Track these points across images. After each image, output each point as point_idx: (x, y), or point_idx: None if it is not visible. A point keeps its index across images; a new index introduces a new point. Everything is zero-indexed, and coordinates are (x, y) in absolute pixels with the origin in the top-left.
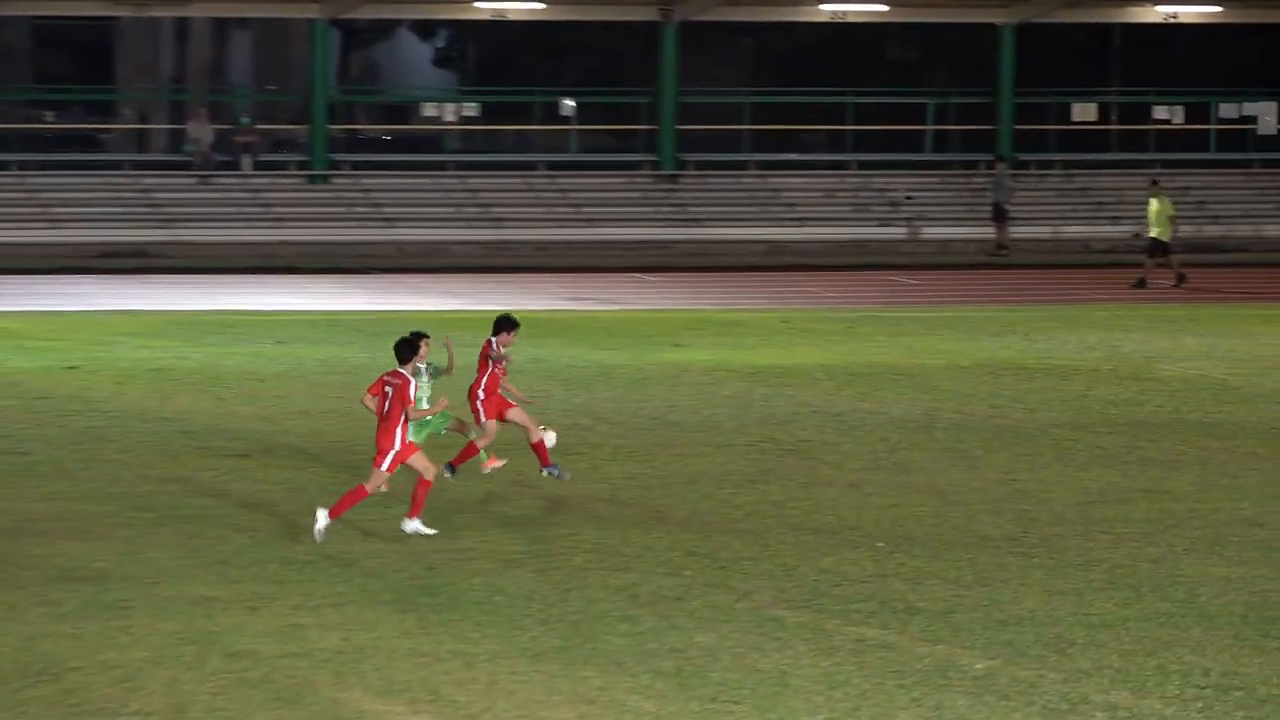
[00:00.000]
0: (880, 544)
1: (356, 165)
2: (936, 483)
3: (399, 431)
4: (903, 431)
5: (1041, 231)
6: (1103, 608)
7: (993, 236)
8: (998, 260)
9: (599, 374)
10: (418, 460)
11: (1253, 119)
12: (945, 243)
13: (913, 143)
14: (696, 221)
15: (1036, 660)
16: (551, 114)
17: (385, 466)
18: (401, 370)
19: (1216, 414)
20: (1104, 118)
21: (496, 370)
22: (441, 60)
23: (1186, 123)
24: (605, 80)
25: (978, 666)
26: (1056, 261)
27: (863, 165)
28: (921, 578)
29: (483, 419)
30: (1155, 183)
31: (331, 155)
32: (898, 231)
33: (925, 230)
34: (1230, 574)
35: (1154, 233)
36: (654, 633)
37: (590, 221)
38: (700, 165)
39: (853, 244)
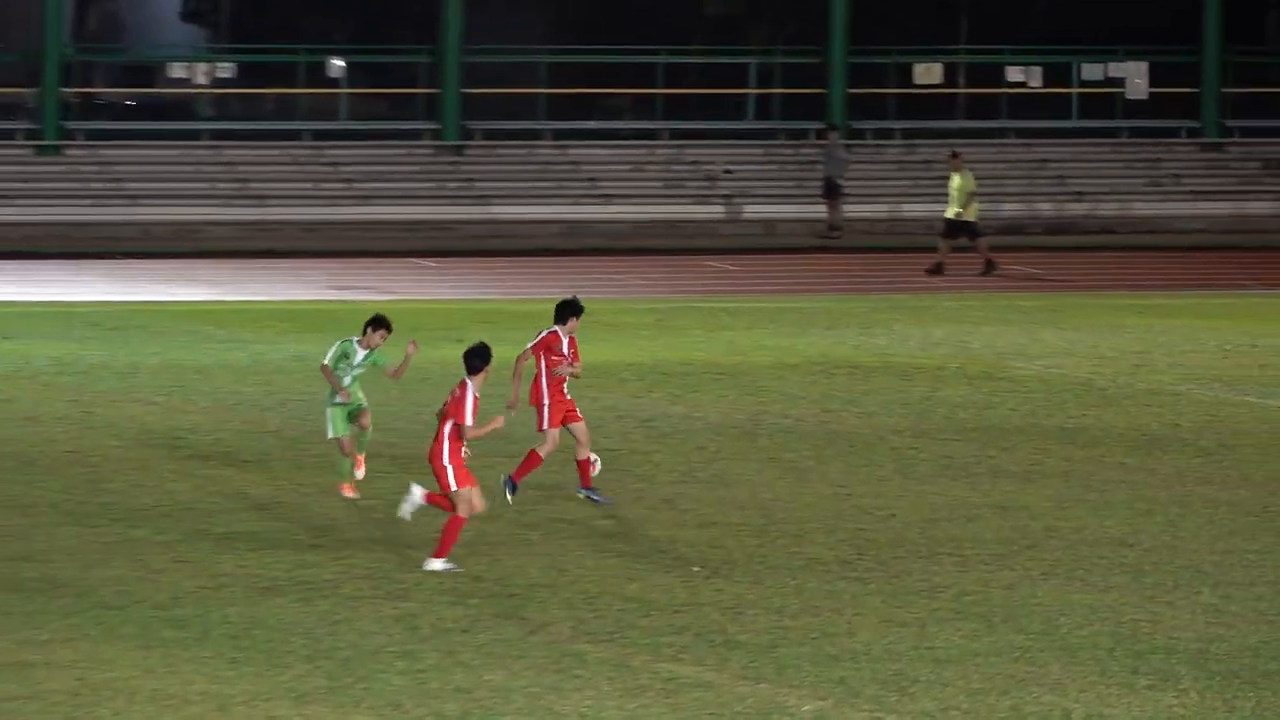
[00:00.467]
0: (696, 568)
1: (93, 134)
2: (760, 498)
3: (446, 446)
4: (722, 439)
5: (879, 210)
6: (949, 640)
7: (824, 216)
8: (830, 243)
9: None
10: (467, 495)
11: (1120, 81)
12: (770, 223)
13: (733, 109)
14: (485, 199)
15: (873, 701)
16: (318, 75)
17: (454, 485)
18: (466, 380)
19: (1079, 418)
20: (950, 80)
21: (552, 366)
22: (191, 14)
23: (1045, 86)
24: (380, 37)
25: (806, 708)
26: (897, 244)
27: (675, 134)
28: (742, 606)
29: (545, 425)
30: (955, 155)
31: (64, 123)
32: (716, 210)
33: (747, 209)
34: (1095, 601)
35: (952, 211)
36: (436, 670)
37: (363, 199)
38: (489, 134)
39: (664, 224)
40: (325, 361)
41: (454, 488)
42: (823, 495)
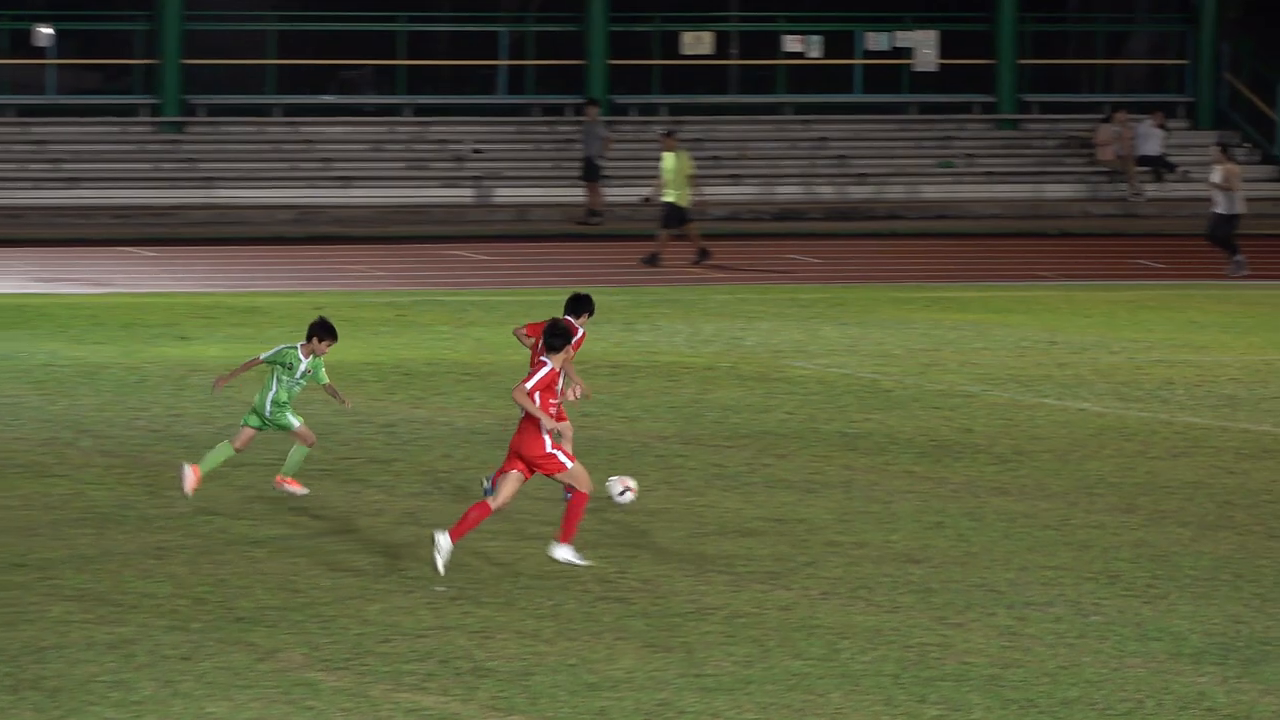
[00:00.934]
0: (441, 588)
1: None
2: (512, 510)
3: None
4: (471, 446)
5: (644, 193)
6: (719, 667)
7: (583, 200)
8: (590, 229)
9: (83, 375)
10: (511, 486)
11: (908, 52)
12: (523, 208)
13: (482, 82)
14: (208, 181)
15: None
16: (22, 44)
17: (566, 460)
18: (545, 360)
19: (863, 423)
20: (722, 50)
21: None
22: None
23: (825, 57)
24: (92, 3)
25: None
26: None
27: (419, 110)
28: (492, 630)
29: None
30: (670, 134)
31: None
32: (463, 194)
33: (498, 192)
34: (879, 623)
35: (670, 196)
36: (153, 702)
37: (72, 181)
38: (213, 110)
39: (407, 209)
40: (261, 357)
41: (569, 466)
42: None
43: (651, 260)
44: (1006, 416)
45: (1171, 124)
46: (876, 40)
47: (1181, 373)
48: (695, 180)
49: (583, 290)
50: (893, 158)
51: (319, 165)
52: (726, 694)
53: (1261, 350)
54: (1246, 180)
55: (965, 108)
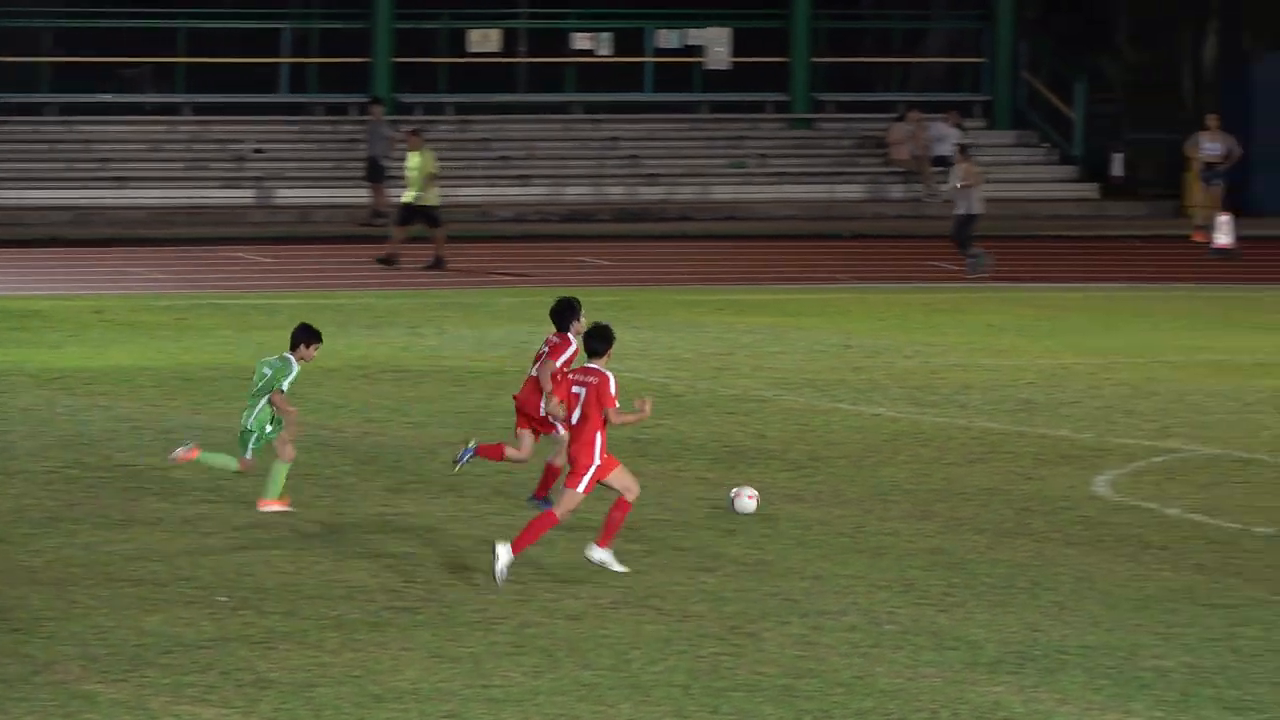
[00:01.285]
0: (223, 597)
1: None
2: (294, 518)
3: (598, 442)
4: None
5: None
6: (507, 678)
7: (367, 201)
8: (374, 231)
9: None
10: (619, 477)
11: (700, 50)
12: (305, 209)
13: (263, 80)
14: None
15: None
16: None
17: (582, 487)
18: (595, 366)
19: (654, 428)
20: (510, 48)
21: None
22: None
23: (616, 55)
24: None
25: None
26: (450, 233)
27: (199, 109)
28: (274, 641)
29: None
30: (415, 132)
31: None
32: (244, 195)
33: (280, 193)
34: (670, 633)
35: (409, 195)
36: None
37: None
38: None
39: (186, 210)
40: (284, 389)
41: (581, 491)
42: (366, 515)
43: (388, 261)
44: (801, 421)
45: (968, 123)
46: (667, 38)
47: (978, 377)
48: (436, 180)
49: (570, 295)
50: (684, 158)
51: (96, 165)
52: (515, 705)
53: (1058, 354)
54: (1046, 181)
55: (758, 107)
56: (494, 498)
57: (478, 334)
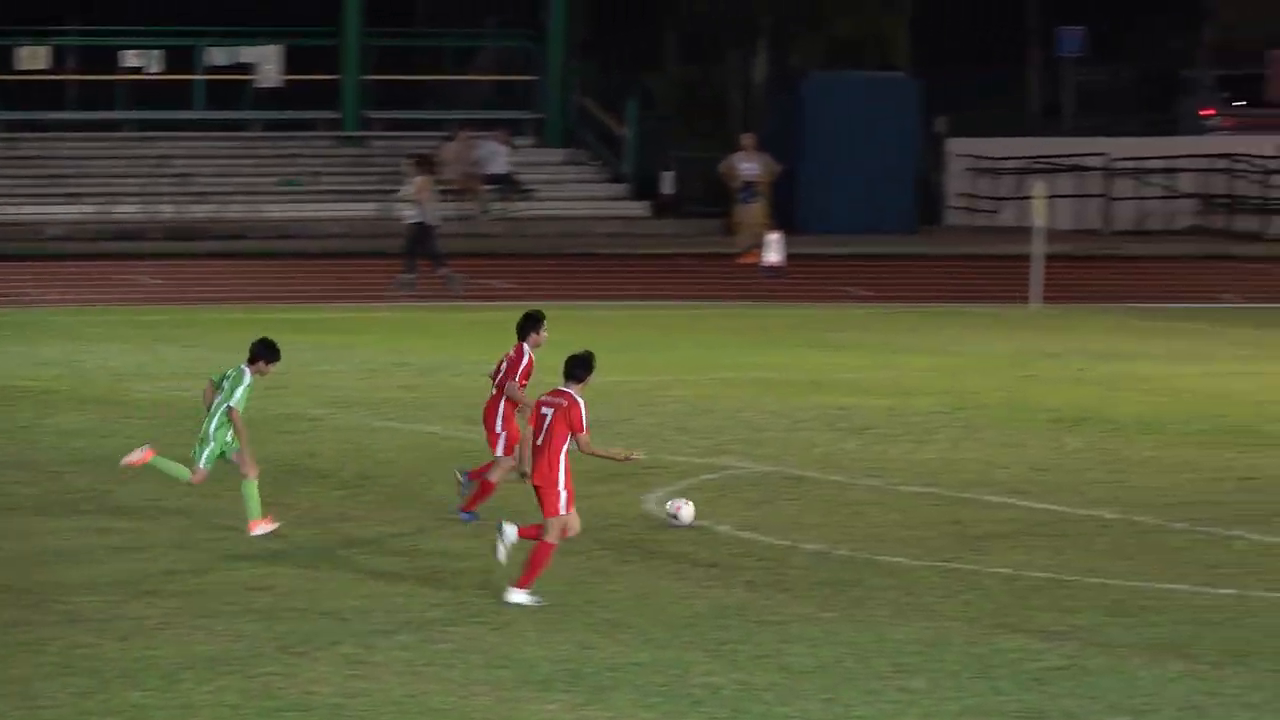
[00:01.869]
0: None
1: None
2: None
3: (563, 463)
4: None
5: None
6: (55, 699)
7: None
8: None
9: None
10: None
11: (251, 67)
12: None
13: None
14: None
15: None
16: None
17: (563, 509)
18: (568, 390)
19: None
20: (59, 65)
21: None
22: None
23: (166, 72)
24: None
25: None
26: (11, 251)
27: None
28: None
29: (499, 449)
30: None
31: None
32: None
33: None
34: (221, 653)
35: None
36: None
37: None
38: None
39: None
40: (236, 405)
41: (563, 512)
42: None
43: None
44: (353, 440)
45: (519, 141)
46: (219, 56)
47: (531, 393)
48: None
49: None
50: (236, 176)
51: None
52: None
53: (610, 372)
54: (597, 199)
55: (310, 124)
56: (44, 516)
57: (29, 351)
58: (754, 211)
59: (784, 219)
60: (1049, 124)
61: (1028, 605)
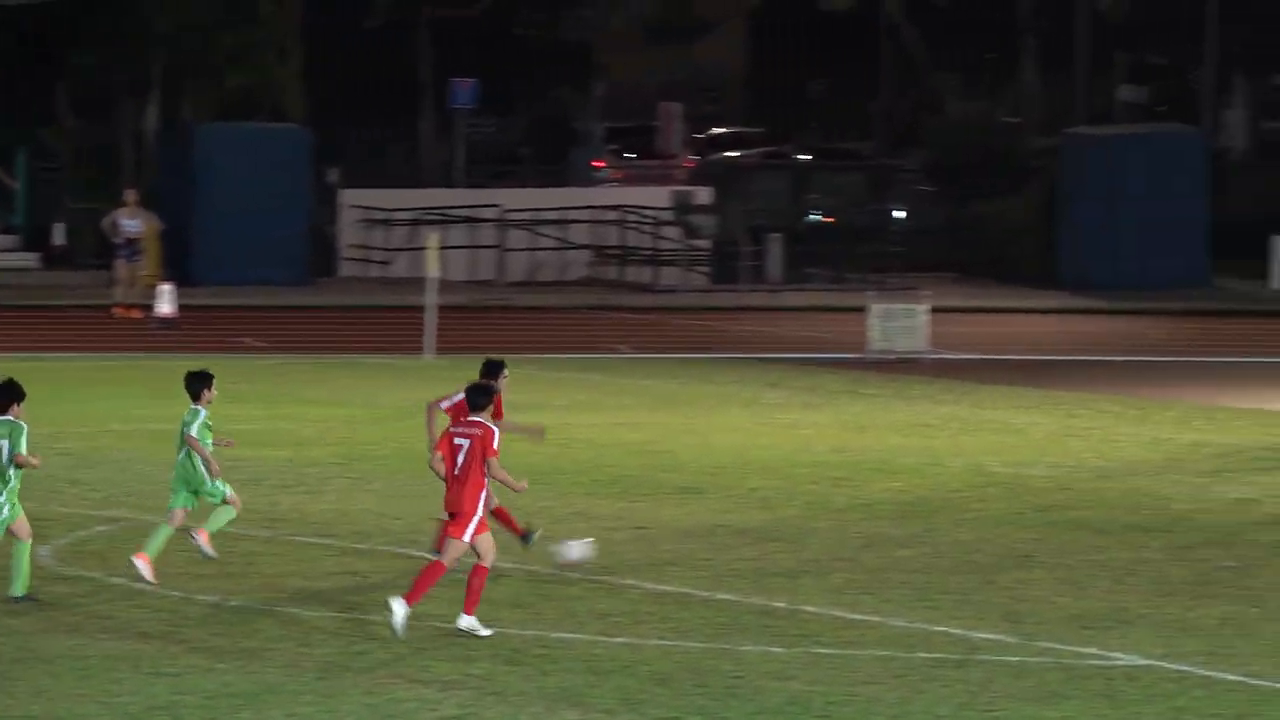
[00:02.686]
0: None
1: None
2: None
3: (482, 495)
4: None
5: None
6: None
7: None
8: None
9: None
10: (484, 541)
11: None
12: None
13: None
14: None
15: None
16: None
17: (468, 536)
18: (479, 418)
19: None
20: None
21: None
22: None
23: None
24: None
25: None
26: None
27: None
28: None
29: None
30: None
31: None
32: None
33: None
34: None
35: None
36: None
37: None
38: None
39: None
40: (194, 434)
41: (466, 539)
42: None
43: None
44: None
45: None
46: None
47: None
48: None
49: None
50: None
51: None
52: None
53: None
54: None
55: None
56: None
57: None
58: (137, 268)
59: (177, 270)
60: (443, 176)
61: (425, 655)
